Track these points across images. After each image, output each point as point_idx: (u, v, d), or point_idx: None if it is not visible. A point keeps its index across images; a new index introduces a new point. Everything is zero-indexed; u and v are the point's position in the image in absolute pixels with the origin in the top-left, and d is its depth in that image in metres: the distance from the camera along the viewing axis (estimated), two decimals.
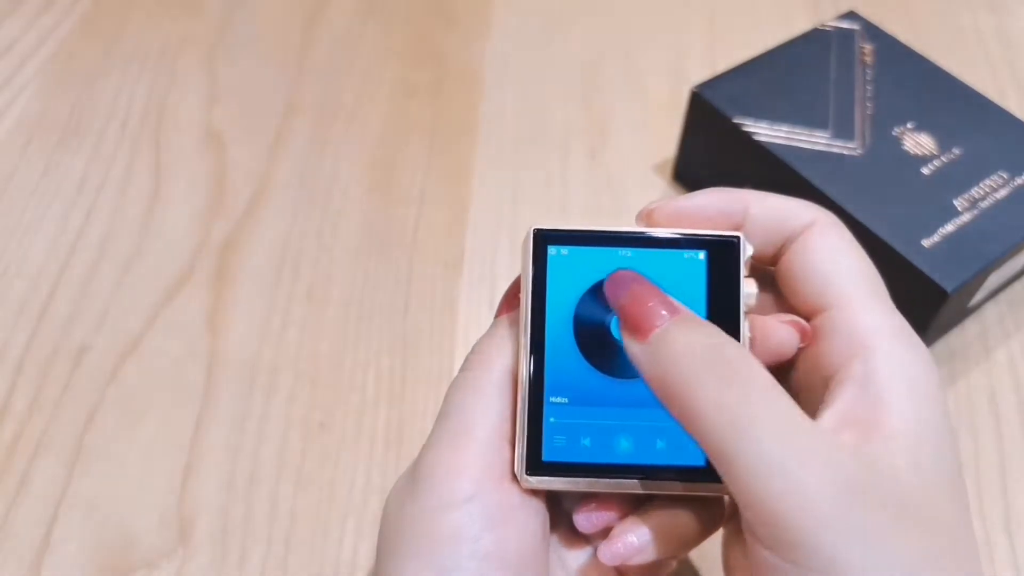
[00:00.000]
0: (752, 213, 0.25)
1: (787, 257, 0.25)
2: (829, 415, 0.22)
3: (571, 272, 0.24)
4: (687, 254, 0.25)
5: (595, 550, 0.26)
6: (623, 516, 0.25)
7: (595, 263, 0.25)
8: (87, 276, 0.43)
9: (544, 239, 0.24)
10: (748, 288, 0.25)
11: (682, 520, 0.25)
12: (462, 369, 0.26)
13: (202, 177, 0.47)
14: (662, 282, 0.23)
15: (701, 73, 0.46)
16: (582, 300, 0.24)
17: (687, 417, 0.21)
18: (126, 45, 0.55)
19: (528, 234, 0.25)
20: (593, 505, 0.25)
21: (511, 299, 0.26)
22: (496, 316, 0.27)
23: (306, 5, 0.57)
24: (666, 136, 0.49)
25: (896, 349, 0.23)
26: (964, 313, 0.41)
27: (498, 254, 0.44)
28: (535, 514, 0.25)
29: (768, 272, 0.26)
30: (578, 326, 0.24)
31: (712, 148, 0.44)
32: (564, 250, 0.24)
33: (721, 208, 0.25)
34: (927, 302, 0.36)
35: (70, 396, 0.38)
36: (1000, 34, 0.56)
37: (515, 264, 0.44)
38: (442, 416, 0.25)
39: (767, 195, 0.26)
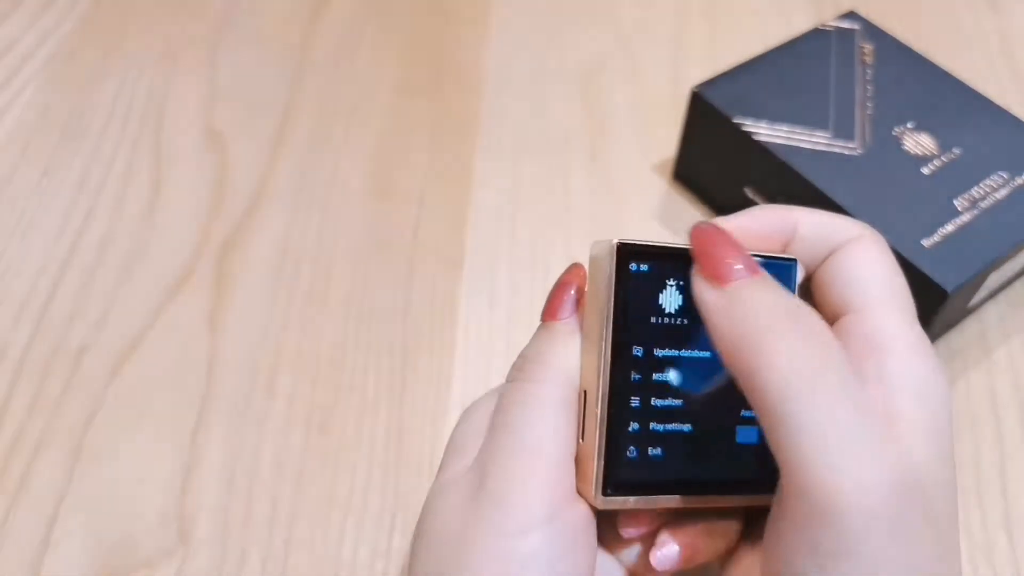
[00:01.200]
0: (801, 230, 0.26)
1: (825, 264, 0.25)
2: None
3: (647, 288, 0.24)
4: None
5: (623, 556, 0.26)
6: (663, 521, 0.25)
7: (670, 279, 0.25)
8: (87, 276, 0.43)
9: (627, 254, 0.24)
10: None
11: (720, 521, 0.25)
12: (519, 378, 0.25)
13: (202, 177, 0.47)
14: None
15: (701, 73, 0.46)
16: (657, 317, 0.25)
17: (752, 371, 0.20)
18: (126, 45, 0.55)
19: (612, 248, 0.24)
20: (638, 514, 0.25)
21: (556, 302, 0.26)
22: (544, 319, 0.26)
23: (306, 5, 0.57)
24: (666, 136, 0.49)
25: (911, 358, 0.23)
26: (964, 313, 0.41)
27: (498, 254, 0.44)
28: (595, 531, 0.24)
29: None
30: (652, 343, 0.24)
31: (712, 148, 0.44)
32: (643, 265, 0.24)
33: (773, 226, 0.26)
34: (927, 302, 0.36)
35: (70, 396, 0.38)
36: (1001, 34, 0.56)
37: (516, 264, 0.44)
38: (505, 431, 0.24)
39: (815, 211, 0.26)
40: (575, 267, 0.27)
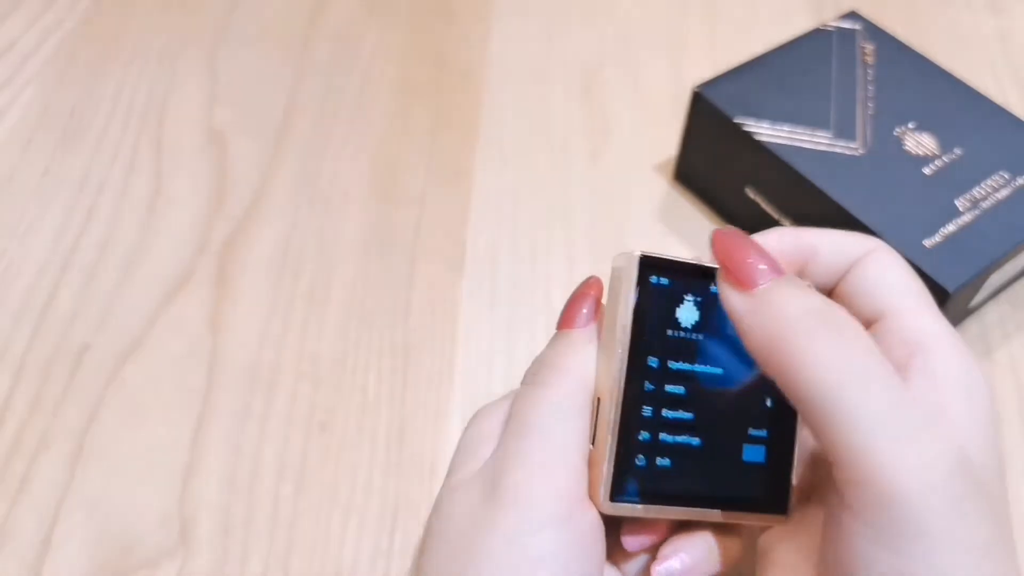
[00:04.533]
0: (820, 251, 0.26)
1: (845, 279, 0.26)
2: None
3: (666, 301, 0.25)
4: None
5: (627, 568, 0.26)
6: (666, 535, 0.25)
7: (688, 294, 0.25)
8: (88, 276, 0.43)
9: (648, 266, 0.25)
10: None
11: (722, 539, 0.25)
12: (535, 383, 0.25)
13: (203, 176, 0.47)
14: None
15: (702, 73, 0.46)
16: (674, 330, 0.25)
17: (791, 369, 0.21)
18: (127, 45, 0.55)
19: (632, 259, 0.25)
20: (641, 525, 0.25)
21: (573, 312, 0.26)
22: (559, 327, 0.27)
23: (307, 4, 0.57)
24: (667, 136, 0.49)
25: (953, 354, 0.23)
26: (965, 313, 0.41)
27: (499, 254, 0.44)
28: (604, 537, 0.25)
29: None
30: (667, 356, 0.25)
31: (713, 148, 0.44)
32: (663, 279, 0.25)
33: (791, 249, 0.26)
34: None
35: (71, 396, 0.38)
36: (1001, 34, 0.56)
37: (516, 264, 0.44)
38: (520, 433, 0.24)
39: (829, 232, 0.27)
40: (593, 279, 0.27)
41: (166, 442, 0.37)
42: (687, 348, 0.25)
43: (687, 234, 0.45)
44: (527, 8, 0.57)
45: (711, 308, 0.25)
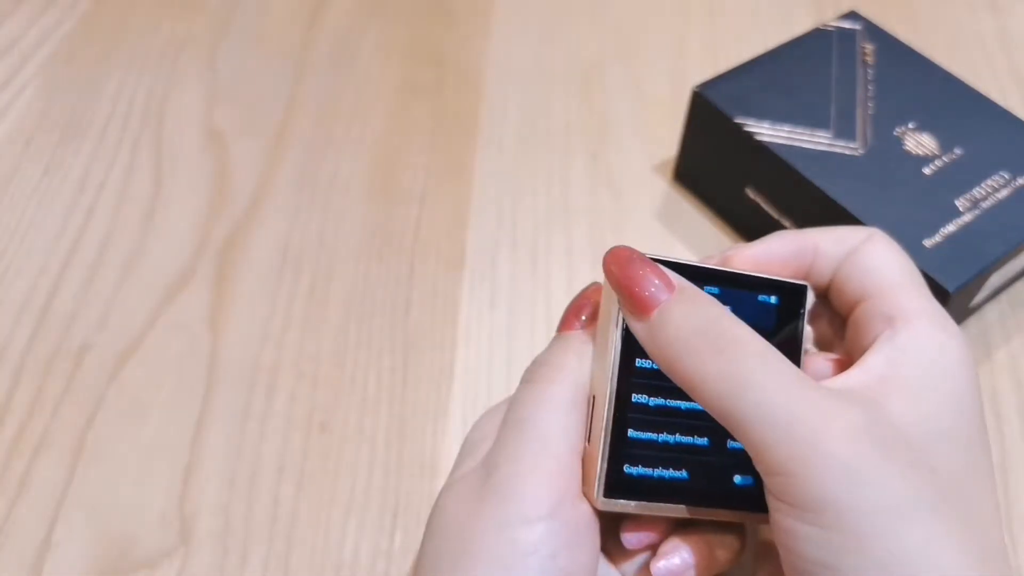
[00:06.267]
0: (822, 248, 0.27)
1: (840, 268, 0.27)
2: (845, 375, 0.23)
3: None
4: (761, 297, 0.26)
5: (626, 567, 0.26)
6: (666, 534, 0.26)
7: None
8: (88, 275, 0.43)
9: None
10: (807, 333, 0.27)
11: (722, 537, 0.26)
12: (532, 380, 0.26)
13: (203, 176, 0.47)
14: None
15: (702, 73, 0.46)
16: None
17: (691, 389, 0.22)
18: (126, 45, 0.55)
19: None
20: (640, 523, 0.26)
21: (574, 315, 0.27)
22: (560, 330, 0.27)
23: (307, 4, 0.57)
24: (667, 136, 0.49)
25: (925, 326, 0.24)
26: (965, 313, 0.41)
27: (499, 254, 0.44)
28: (597, 534, 0.25)
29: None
30: None
31: (713, 148, 0.44)
32: None
33: (793, 252, 0.27)
34: None
35: (71, 395, 0.38)
36: (1001, 34, 0.56)
37: (516, 264, 0.44)
38: (515, 427, 0.25)
39: (828, 229, 0.27)
40: (595, 286, 0.28)
41: (166, 442, 0.37)
42: None
43: (687, 234, 0.45)
44: (527, 8, 0.57)
45: None
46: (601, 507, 0.24)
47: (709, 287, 0.26)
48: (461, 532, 0.23)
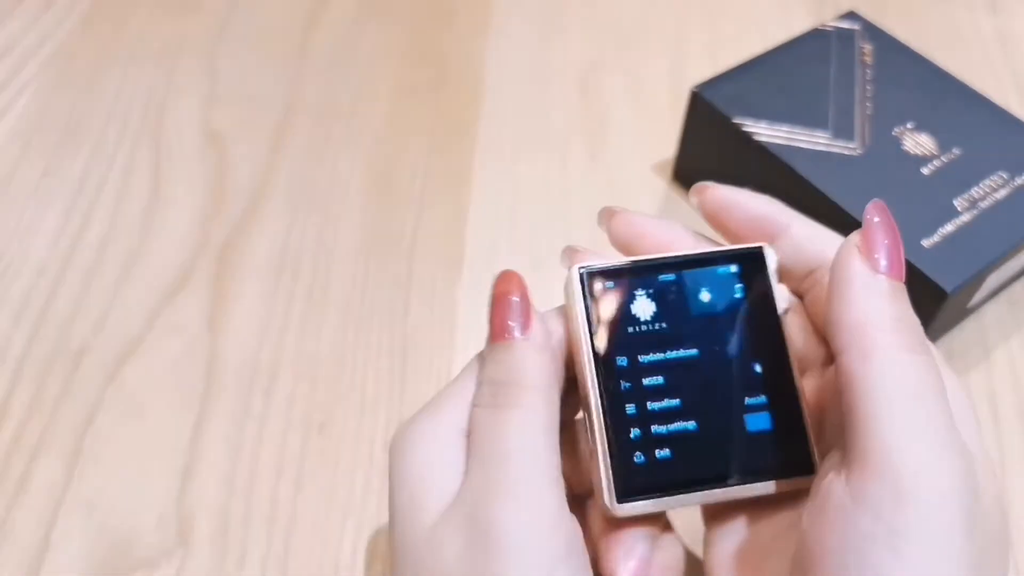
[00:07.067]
0: (792, 232, 0.26)
1: (817, 292, 0.26)
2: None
3: (617, 302, 0.26)
4: (720, 269, 0.26)
5: None
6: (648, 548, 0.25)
7: (638, 290, 0.26)
8: (87, 276, 0.43)
9: (590, 277, 0.26)
10: (782, 292, 0.26)
11: (776, 514, 0.25)
12: (500, 404, 0.24)
13: (202, 177, 0.47)
14: (705, 298, 0.26)
15: (701, 73, 0.46)
16: (634, 326, 0.26)
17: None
18: (126, 45, 0.55)
19: (573, 275, 0.26)
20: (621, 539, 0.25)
21: (500, 320, 0.25)
22: (493, 340, 0.25)
23: (306, 5, 0.57)
24: (666, 136, 0.49)
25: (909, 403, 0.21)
26: (964, 313, 0.41)
27: (498, 254, 0.44)
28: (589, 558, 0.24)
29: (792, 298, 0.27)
30: (635, 352, 0.25)
31: (712, 148, 0.44)
32: (608, 283, 0.26)
33: (766, 214, 0.27)
34: (927, 302, 0.36)
35: (70, 396, 0.38)
36: (1000, 34, 0.56)
37: (515, 265, 0.43)
38: (498, 463, 0.22)
39: (808, 220, 0.27)
40: (503, 275, 0.26)
41: (164, 442, 0.37)
42: (654, 340, 0.25)
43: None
44: (526, 8, 0.57)
45: (665, 297, 0.26)
46: (622, 514, 0.24)
47: (664, 276, 0.26)
48: None
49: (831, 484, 0.21)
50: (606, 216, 0.28)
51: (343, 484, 0.36)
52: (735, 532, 0.25)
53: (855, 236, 0.24)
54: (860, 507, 0.20)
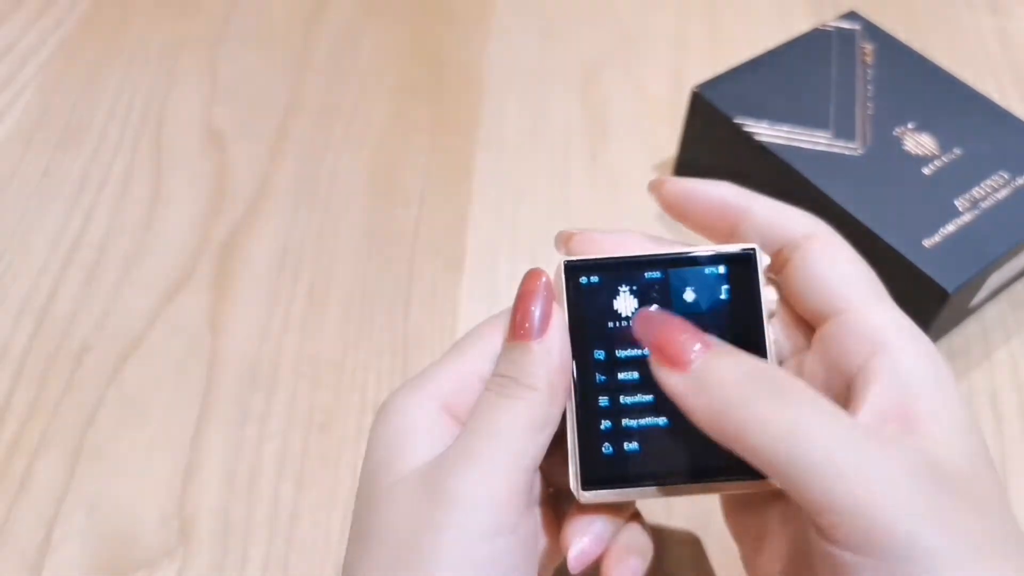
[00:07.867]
0: (754, 213, 0.26)
1: (791, 268, 0.26)
2: (866, 412, 0.22)
3: (601, 297, 0.26)
4: (708, 269, 0.26)
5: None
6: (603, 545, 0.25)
7: (622, 286, 0.26)
8: (88, 276, 0.43)
9: (575, 270, 0.26)
10: (769, 295, 0.26)
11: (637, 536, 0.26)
12: (501, 395, 0.24)
13: (203, 177, 0.47)
14: (689, 298, 0.26)
15: (701, 73, 0.46)
16: (614, 321, 0.26)
17: (742, 438, 0.21)
18: (126, 45, 0.55)
19: (560, 268, 0.26)
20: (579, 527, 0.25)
21: (523, 317, 0.26)
22: (514, 337, 0.26)
23: (306, 5, 0.57)
24: (666, 136, 0.49)
25: (909, 344, 0.23)
26: (965, 313, 0.41)
27: (498, 254, 0.44)
28: (540, 540, 0.25)
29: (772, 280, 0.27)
30: (612, 346, 0.26)
31: (713, 148, 0.44)
32: (593, 277, 0.26)
33: (725, 200, 0.26)
34: (928, 302, 0.36)
35: (71, 396, 0.38)
36: (1001, 34, 0.56)
37: (516, 264, 0.44)
38: (478, 436, 0.24)
39: (768, 199, 0.27)
40: (532, 272, 0.27)
41: (166, 442, 0.37)
42: (632, 335, 0.25)
43: (686, 234, 0.45)
44: (527, 8, 0.57)
45: (648, 294, 0.26)
46: (586, 501, 0.25)
47: (651, 273, 0.26)
48: (411, 541, 0.22)
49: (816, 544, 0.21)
50: (563, 240, 0.28)
51: (344, 483, 0.36)
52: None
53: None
54: (850, 554, 0.20)
